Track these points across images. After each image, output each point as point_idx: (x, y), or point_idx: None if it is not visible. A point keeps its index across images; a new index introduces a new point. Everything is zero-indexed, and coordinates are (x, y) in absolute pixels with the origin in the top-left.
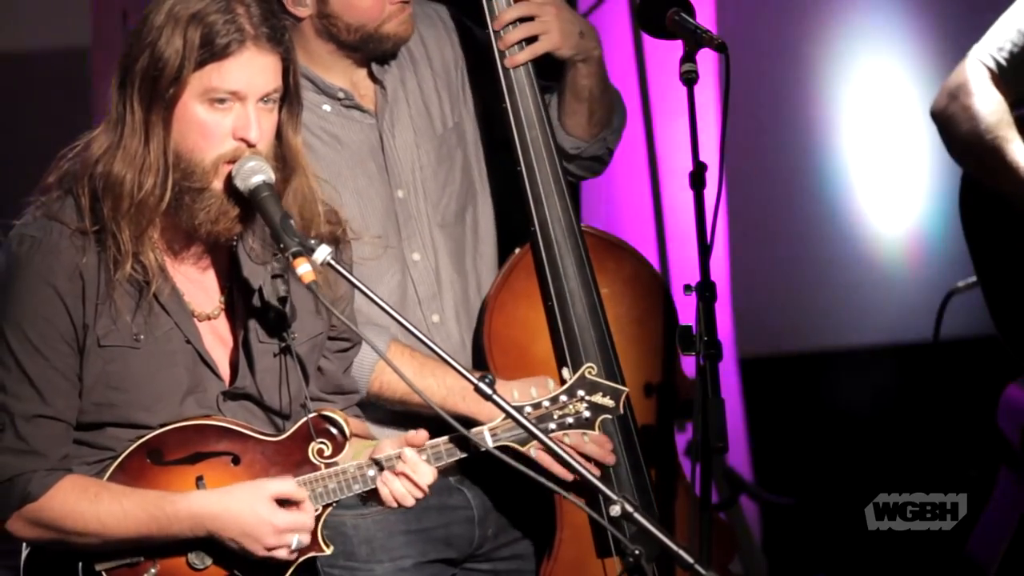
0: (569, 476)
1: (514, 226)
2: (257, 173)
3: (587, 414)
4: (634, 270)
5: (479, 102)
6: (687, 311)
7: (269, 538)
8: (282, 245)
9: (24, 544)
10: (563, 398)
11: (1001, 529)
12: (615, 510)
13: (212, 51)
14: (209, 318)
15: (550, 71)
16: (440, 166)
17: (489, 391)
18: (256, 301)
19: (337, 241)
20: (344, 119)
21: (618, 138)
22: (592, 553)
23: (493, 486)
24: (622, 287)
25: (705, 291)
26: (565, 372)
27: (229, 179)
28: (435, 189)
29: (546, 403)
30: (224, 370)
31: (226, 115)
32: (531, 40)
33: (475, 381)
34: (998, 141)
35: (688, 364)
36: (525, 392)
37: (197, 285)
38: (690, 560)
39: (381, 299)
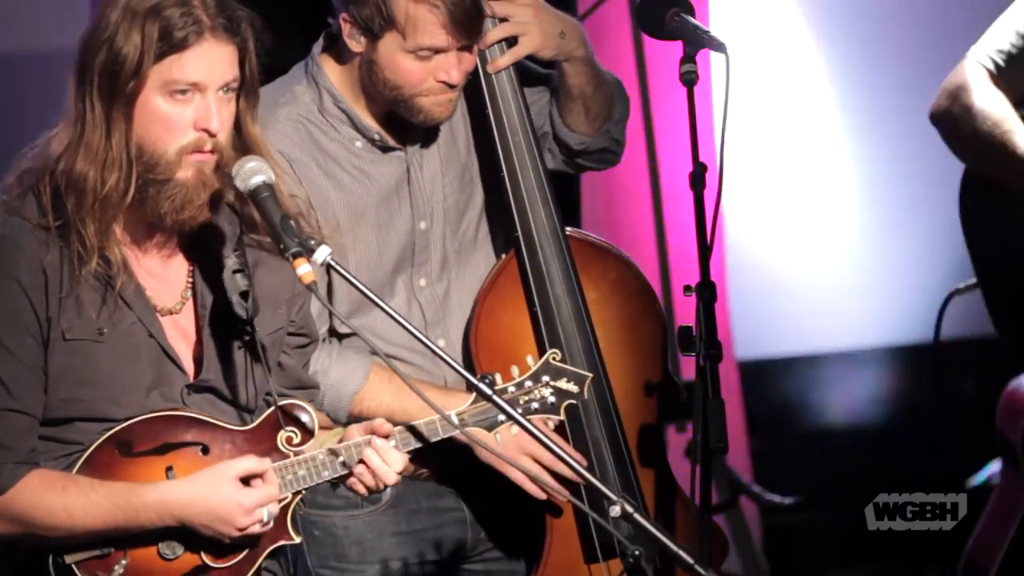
0: (542, 496)
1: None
2: (257, 174)
3: (552, 399)
4: (621, 274)
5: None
6: (687, 312)
7: (240, 518)
8: (282, 246)
9: None
10: (528, 383)
11: (1002, 530)
12: (615, 511)
13: (171, 43)
14: (172, 312)
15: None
16: (462, 194)
17: (489, 391)
18: (219, 295)
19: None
20: (374, 156)
21: (622, 128)
22: (580, 558)
23: (484, 489)
24: (609, 291)
25: (705, 292)
26: (529, 359)
27: (198, 168)
28: (456, 216)
29: (511, 388)
30: (188, 364)
31: (187, 106)
32: (511, 43)
33: (475, 381)
34: (1007, 135)
35: (685, 365)
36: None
37: (160, 280)
38: (690, 560)
39: (382, 300)
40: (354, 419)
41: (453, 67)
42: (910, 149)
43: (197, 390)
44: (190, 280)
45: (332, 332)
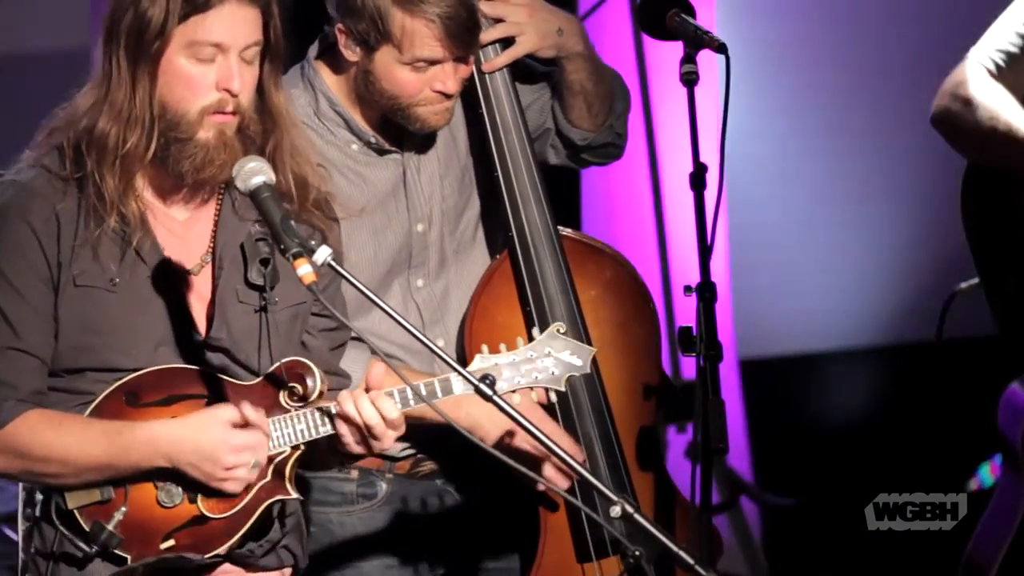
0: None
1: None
2: (257, 174)
3: (555, 370)
4: (615, 273)
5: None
6: (687, 312)
7: (227, 456)
8: (282, 246)
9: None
10: (531, 354)
11: (1002, 530)
12: (615, 511)
13: (195, 5)
14: (190, 273)
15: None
16: (462, 195)
17: (490, 392)
18: (239, 261)
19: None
20: (370, 158)
21: (624, 122)
22: (573, 557)
23: (481, 487)
24: (603, 291)
25: (705, 292)
26: (535, 331)
27: (219, 129)
28: (454, 218)
29: (516, 357)
30: (201, 323)
31: (209, 67)
32: (507, 43)
33: (475, 382)
34: (1008, 122)
35: (686, 366)
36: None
37: (181, 240)
38: (690, 561)
39: (382, 300)
40: None
41: (449, 77)
42: (911, 148)
43: (210, 348)
44: (212, 243)
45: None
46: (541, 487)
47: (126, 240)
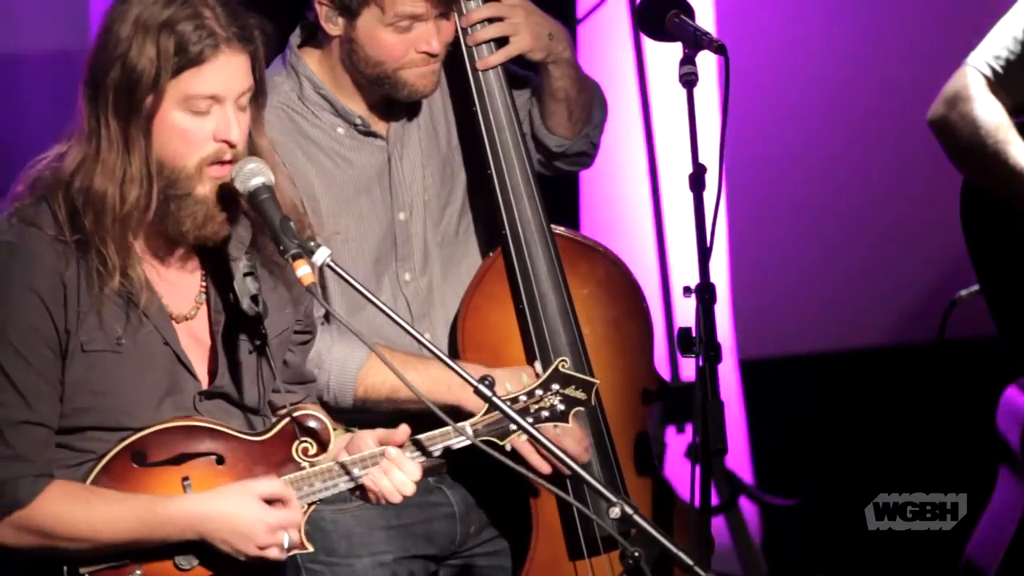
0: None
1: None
2: (257, 175)
3: (560, 407)
4: (607, 272)
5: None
6: (687, 313)
7: (262, 536)
8: (281, 247)
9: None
10: (538, 392)
11: (1002, 530)
12: (615, 512)
13: (187, 58)
14: (186, 319)
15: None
16: (443, 187)
17: (489, 393)
18: (230, 299)
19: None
20: (357, 142)
21: (600, 132)
22: (565, 555)
23: (474, 484)
24: (595, 289)
25: (705, 293)
26: (537, 366)
27: (216, 184)
28: (437, 210)
29: (522, 397)
30: (201, 370)
31: (206, 119)
32: (501, 43)
33: (474, 383)
34: (1000, 145)
35: (686, 367)
36: (511, 381)
37: (174, 287)
38: (690, 562)
39: (379, 300)
40: (359, 401)
41: (433, 36)
42: (912, 148)
43: (209, 396)
44: (203, 284)
45: (328, 317)
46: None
47: (131, 302)
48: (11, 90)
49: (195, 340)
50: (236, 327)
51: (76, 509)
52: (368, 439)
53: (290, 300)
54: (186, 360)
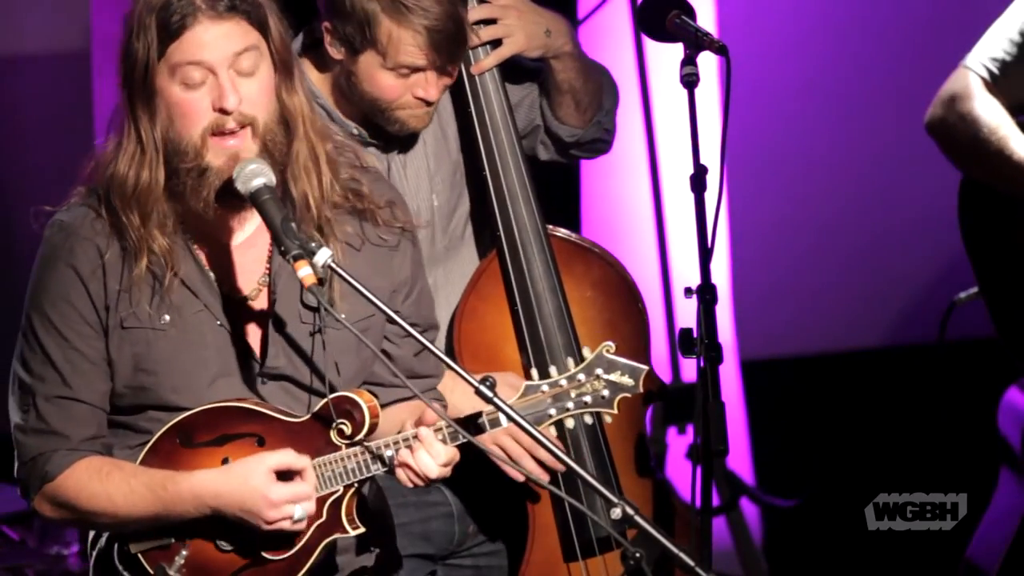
0: (521, 478)
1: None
2: (258, 176)
3: (605, 392)
4: (604, 273)
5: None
6: (688, 314)
7: (266, 511)
8: (282, 248)
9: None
10: (580, 377)
11: (1002, 531)
12: (616, 513)
13: (169, 32)
14: (247, 299)
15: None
16: (453, 192)
17: (490, 394)
18: (294, 282)
19: (360, 213)
20: None
21: (612, 118)
22: (560, 557)
23: (472, 483)
24: (591, 290)
25: (706, 294)
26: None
27: (228, 155)
28: (447, 214)
29: (563, 382)
30: (258, 351)
31: (201, 90)
32: (496, 44)
33: (476, 384)
34: (1002, 141)
35: (686, 367)
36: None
37: (239, 268)
38: (691, 562)
39: (382, 302)
40: None
41: (432, 85)
42: (912, 149)
43: (271, 377)
44: (268, 267)
45: None
46: (521, 478)
47: (161, 276)
48: (11, 90)
49: (255, 320)
50: (302, 310)
51: (96, 483)
52: (408, 422)
53: (378, 289)
54: (241, 340)
